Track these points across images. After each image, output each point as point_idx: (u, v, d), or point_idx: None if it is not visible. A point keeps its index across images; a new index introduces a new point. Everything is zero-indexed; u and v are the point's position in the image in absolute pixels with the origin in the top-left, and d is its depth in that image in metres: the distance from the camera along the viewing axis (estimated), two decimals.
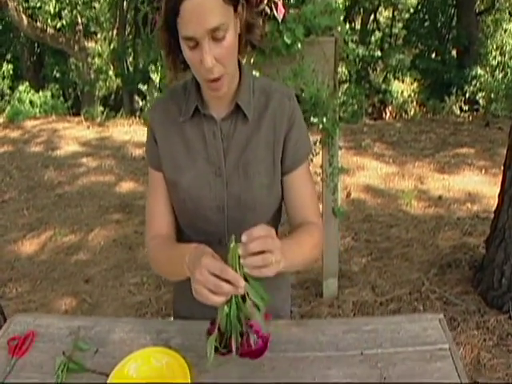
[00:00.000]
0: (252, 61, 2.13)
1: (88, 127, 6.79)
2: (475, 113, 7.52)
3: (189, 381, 0.93)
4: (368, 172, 4.57)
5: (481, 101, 8.24)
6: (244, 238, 0.82)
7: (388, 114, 8.83)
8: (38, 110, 8.31)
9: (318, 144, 2.38)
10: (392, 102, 9.10)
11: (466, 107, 8.23)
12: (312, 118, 2.25)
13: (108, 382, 0.94)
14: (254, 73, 2.19)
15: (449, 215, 3.69)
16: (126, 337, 1.11)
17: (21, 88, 9.12)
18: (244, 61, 1.26)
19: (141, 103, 9.06)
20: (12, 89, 9.57)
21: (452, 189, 4.17)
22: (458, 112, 8.13)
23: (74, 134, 6.39)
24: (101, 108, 8.84)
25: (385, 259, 3.10)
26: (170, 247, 1.06)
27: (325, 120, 2.26)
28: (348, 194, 4.02)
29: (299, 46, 2.12)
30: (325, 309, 2.63)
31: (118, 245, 3.56)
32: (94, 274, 3.20)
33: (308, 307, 2.66)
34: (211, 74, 0.93)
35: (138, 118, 7.39)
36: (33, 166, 5.19)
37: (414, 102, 9.50)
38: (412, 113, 8.96)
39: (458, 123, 6.47)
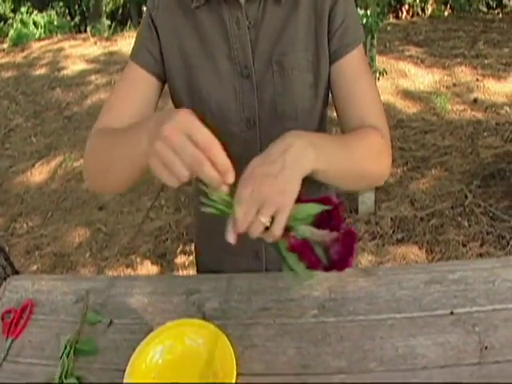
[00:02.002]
0: None
1: (95, 43, 6.17)
2: (504, 9, 6.58)
3: (234, 366, 0.65)
4: (395, 74, 3.99)
5: None
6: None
7: (404, 12, 7.87)
8: (42, 31, 7.60)
9: None
10: None
11: (493, 3, 7.22)
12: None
13: (126, 374, 0.66)
14: None
15: (487, 120, 3.18)
16: (146, 301, 0.84)
17: (23, 9, 8.34)
18: None
19: None
20: (14, 11, 8.78)
21: (488, 91, 3.60)
22: (485, 9, 7.16)
23: (80, 52, 5.81)
24: (108, 22, 8.08)
25: (422, 169, 2.68)
26: (122, 128, 0.71)
27: (369, 13, 1.81)
28: None
29: None
30: (361, 226, 2.28)
31: None
32: (107, 200, 2.87)
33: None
34: None
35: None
36: (39, 90, 4.72)
37: (431, 0, 8.43)
38: (430, 11, 7.98)
39: (487, 20, 5.65)
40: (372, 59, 2.09)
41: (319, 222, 0.60)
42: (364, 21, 1.91)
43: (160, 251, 2.40)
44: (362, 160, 0.73)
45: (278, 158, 0.58)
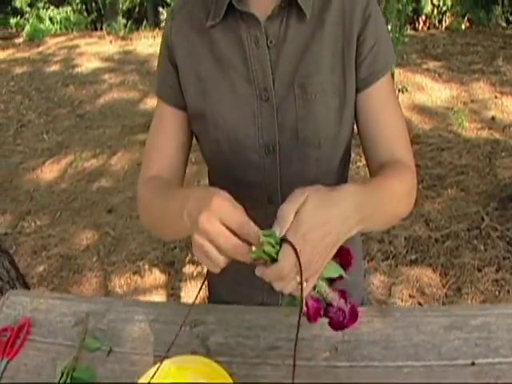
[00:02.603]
0: None
1: (110, 42, 6.18)
2: None
3: None
4: (412, 87, 3.94)
5: None
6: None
7: (421, 23, 7.79)
8: (58, 27, 7.63)
9: None
10: (425, 10, 7.99)
11: None
12: None
13: None
14: None
15: (505, 140, 3.12)
16: (148, 330, 0.81)
17: (40, 4, 8.39)
18: None
19: (165, 14, 8.25)
20: (31, 6, 8.82)
21: (506, 109, 3.54)
22: (505, 24, 7.08)
23: (95, 50, 5.83)
24: (123, 21, 8.10)
25: (438, 188, 2.63)
26: (169, 189, 0.74)
27: (389, 27, 1.78)
28: None
29: None
30: (374, 245, 2.23)
31: None
32: (117, 203, 2.84)
33: None
34: None
35: (162, 30, 6.68)
36: (53, 86, 4.73)
37: (449, 12, 8.35)
38: (447, 23, 7.90)
39: (506, 36, 5.59)
40: (392, 75, 2.06)
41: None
42: None
43: (168, 259, 2.37)
44: (395, 206, 0.71)
45: (331, 225, 0.56)
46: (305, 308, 0.60)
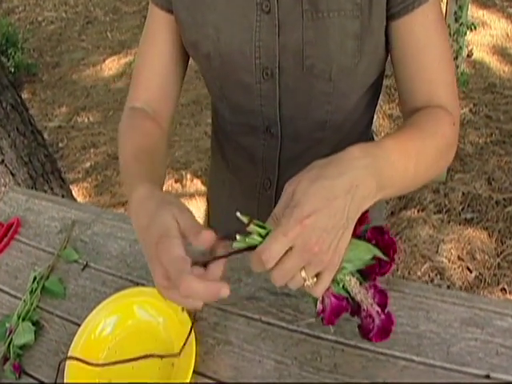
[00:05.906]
0: None
1: None
2: None
3: (192, 359, 0.52)
4: (495, 31, 3.31)
5: None
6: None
7: None
8: None
9: None
10: None
11: None
12: None
13: (72, 346, 0.58)
14: None
15: None
16: (128, 251, 0.71)
17: None
18: None
19: None
20: None
21: None
22: None
23: None
24: None
25: (507, 146, 2.20)
26: (138, 155, 0.58)
27: None
28: (469, 53, 2.92)
29: None
30: (428, 194, 1.91)
31: (200, 77, 2.83)
32: None
33: None
34: None
35: None
36: None
37: None
38: None
39: None
40: (461, 9, 1.62)
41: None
42: None
43: None
44: (425, 164, 0.53)
45: (338, 201, 0.41)
46: (320, 305, 0.46)
